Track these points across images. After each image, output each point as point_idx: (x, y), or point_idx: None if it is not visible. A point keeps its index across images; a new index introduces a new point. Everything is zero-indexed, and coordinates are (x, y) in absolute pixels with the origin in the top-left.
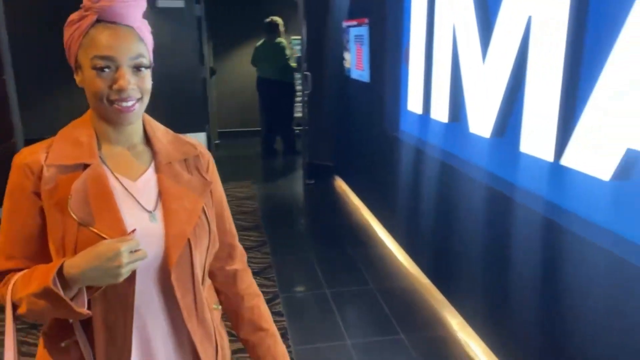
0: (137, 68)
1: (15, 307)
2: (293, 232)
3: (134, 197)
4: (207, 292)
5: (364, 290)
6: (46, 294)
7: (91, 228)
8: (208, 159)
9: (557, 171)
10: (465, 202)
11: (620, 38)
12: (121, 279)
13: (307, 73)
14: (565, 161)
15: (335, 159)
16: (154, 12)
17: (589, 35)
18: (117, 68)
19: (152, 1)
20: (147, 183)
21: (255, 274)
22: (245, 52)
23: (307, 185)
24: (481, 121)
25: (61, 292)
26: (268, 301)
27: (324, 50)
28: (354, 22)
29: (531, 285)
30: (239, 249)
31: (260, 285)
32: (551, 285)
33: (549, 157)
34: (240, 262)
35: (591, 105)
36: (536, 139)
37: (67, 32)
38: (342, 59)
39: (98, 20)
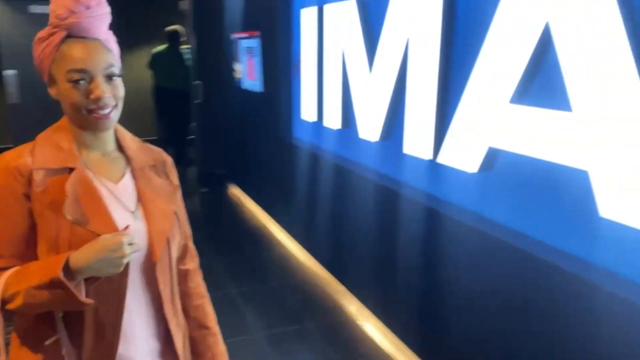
0: (109, 77)
1: (3, 303)
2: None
3: (118, 199)
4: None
5: (267, 287)
6: (53, 285)
7: (86, 227)
8: (171, 165)
9: (434, 168)
10: (357, 199)
11: (479, 59)
12: (121, 269)
13: (198, 82)
14: (440, 159)
15: (229, 166)
16: (25, 18)
17: (456, 53)
18: (92, 79)
19: (24, 7)
20: (126, 186)
21: None
22: (135, 59)
23: (201, 193)
24: (369, 127)
25: (69, 283)
26: None
27: (214, 60)
28: (245, 35)
29: (415, 264)
30: (192, 250)
31: None
32: (431, 261)
33: (428, 156)
34: (192, 262)
35: (459, 113)
36: (416, 141)
37: (38, 49)
38: (232, 69)
39: (68, 36)
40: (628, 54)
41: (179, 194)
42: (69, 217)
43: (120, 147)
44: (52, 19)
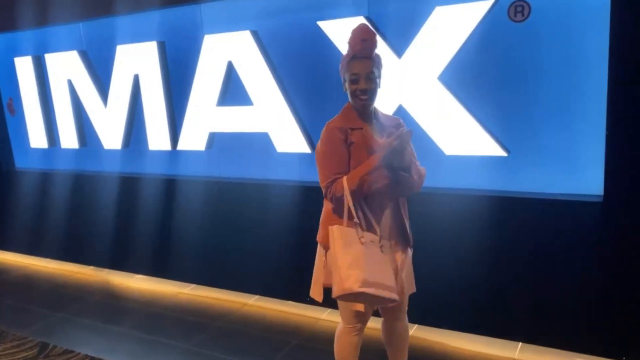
0: (369, 79)
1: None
2: None
3: (377, 141)
4: None
5: None
6: (375, 168)
7: (373, 155)
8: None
9: (175, 154)
10: (99, 198)
11: (194, 83)
12: (405, 147)
13: None
14: (180, 147)
15: None
16: None
17: (174, 82)
18: (360, 79)
19: None
20: (386, 140)
21: None
22: None
23: None
24: (112, 140)
25: (382, 167)
26: None
27: None
28: None
29: (166, 216)
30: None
31: None
32: (176, 212)
33: (169, 147)
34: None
35: (188, 116)
36: (159, 139)
37: (341, 64)
38: None
39: (353, 57)
40: (267, 73)
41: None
42: (366, 152)
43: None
44: (349, 49)
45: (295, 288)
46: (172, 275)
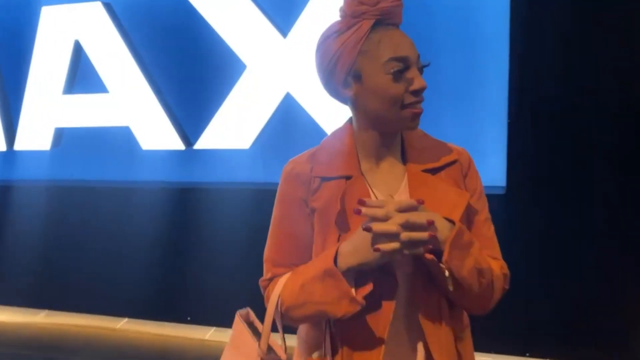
0: (421, 69)
1: (281, 305)
2: None
3: None
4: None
5: None
6: (326, 274)
7: None
8: (469, 165)
9: (10, 156)
10: None
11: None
12: (388, 250)
13: None
14: (17, 146)
15: None
16: None
17: (4, 66)
18: (408, 69)
19: None
20: (400, 198)
21: None
22: None
23: None
24: None
25: (340, 271)
26: None
27: None
28: None
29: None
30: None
31: None
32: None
33: (3, 147)
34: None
35: (24, 109)
36: None
37: (334, 44)
38: None
39: (376, 24)
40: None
41: (472, 201)
42: (337, 228)
43: (403, 150)
44: (351, 8)
45: (172, 306)
46: (16, 301)
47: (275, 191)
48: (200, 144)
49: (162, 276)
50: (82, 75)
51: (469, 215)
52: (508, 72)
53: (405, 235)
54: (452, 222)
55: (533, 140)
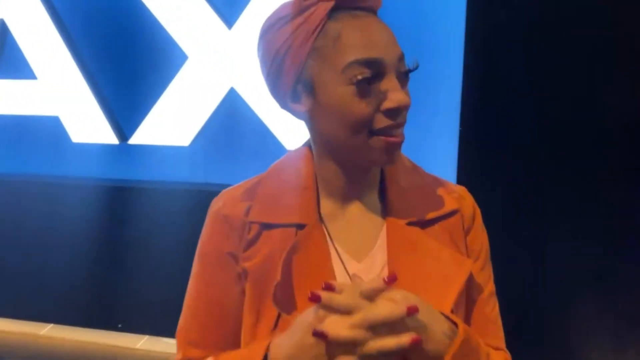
0: (404, 75)
1: None
2: None
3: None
4: None
5: None
6: None
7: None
8: (472, 218)
9: None
10: None
11: None
12: None
13: None
14: None
15: None
16: None
17: None
18: (381, 76)
19: None
20: (374, 261)
21: None
22: None
23: None
24: None
25: None
26: None
27: None
28: None
29: None
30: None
31: None
32: None
33: None
34: None
35: None
36: None
37: (277, 38)
38: None
39: (335, 8)
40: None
41: (474, 271)
42: (275, 304)
43: (383, 187)
44: None
45: (102, 312)
46: None
47: (216, 193)
48: (135, 139)
49: (92, 280)
50: (7, 59)
51: (469, 289)
52: (461, 77)
53: (374, 344)
54: (449, 318)
55: (484, 148)
